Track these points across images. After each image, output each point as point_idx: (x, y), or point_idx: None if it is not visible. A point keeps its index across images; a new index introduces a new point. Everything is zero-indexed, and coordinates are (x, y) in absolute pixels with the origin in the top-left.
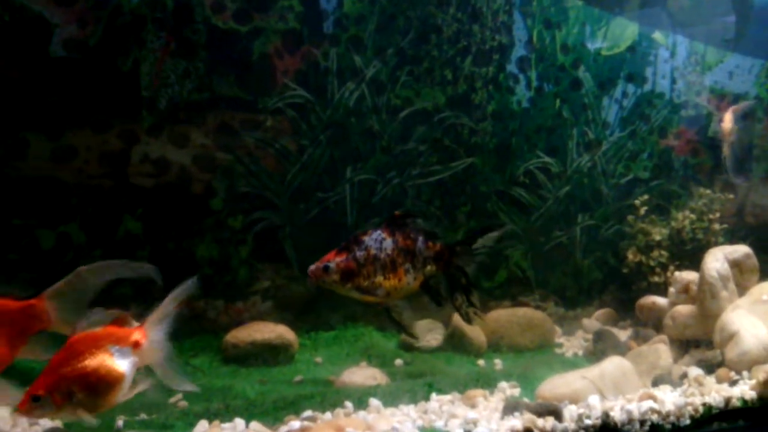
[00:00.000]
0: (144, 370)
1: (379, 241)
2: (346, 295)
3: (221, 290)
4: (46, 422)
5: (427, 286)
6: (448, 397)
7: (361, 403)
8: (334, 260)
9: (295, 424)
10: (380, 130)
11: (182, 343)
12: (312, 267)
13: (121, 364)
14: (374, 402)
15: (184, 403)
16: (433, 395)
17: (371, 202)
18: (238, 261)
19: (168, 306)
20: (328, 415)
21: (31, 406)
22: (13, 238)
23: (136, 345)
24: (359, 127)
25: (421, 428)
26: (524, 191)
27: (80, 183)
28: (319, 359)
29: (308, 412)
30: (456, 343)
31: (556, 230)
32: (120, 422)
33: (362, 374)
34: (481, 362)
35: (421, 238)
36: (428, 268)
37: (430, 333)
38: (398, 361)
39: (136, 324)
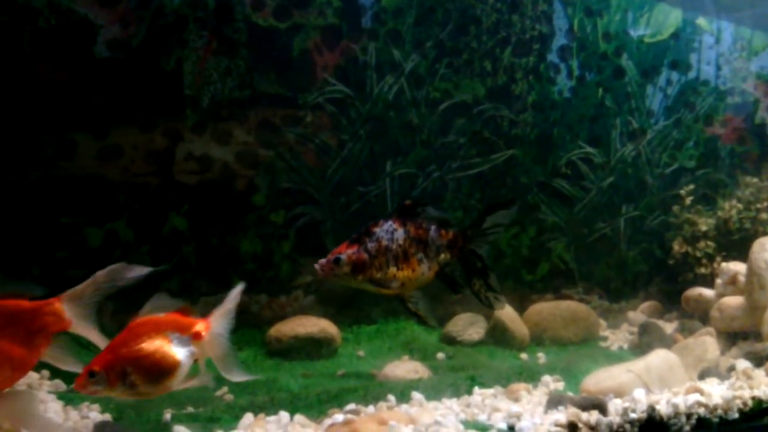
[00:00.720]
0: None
1: (390, 231)
2: (360, 288)
3: (264, 285)
4: (97, 415)
5: (443, 274)
6: (490, 390)
7: (403, 397)
8: (345, 252)
9: (339, 417)
10: (420, 124)
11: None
12: (322, 260)
13: (178, 351)
14: (417, 395)
15: (229, 396)
16: (476, 389)
17: (411, 196)
18: (280, 256)
19: (232, 301)
20: (371, 408)
21: (86, 381)
22: (61, 237)
23: (197, 336)
24: (398, 120)
25: (464, 422)
26: (566, 182)
27: (127, 181)
28: (361, 353)
29: (351, 405)
30: (498, 336)
31: (600, 222)
32: (168, 415)
33: (404, 368)
34: (524, 356)
35: (433, 227)
36: (442, 256)
37: (471, 327)
38: (440, 355)
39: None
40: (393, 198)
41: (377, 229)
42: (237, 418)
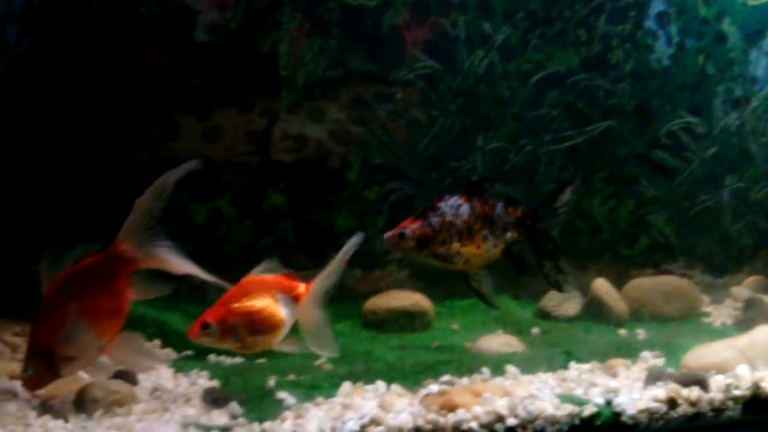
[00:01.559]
0: None
1: (455, 207)
2: (425, 263)
3: (359, 259)
4: (205, 382)
5: (510, 253)
6: (587, 365)
7: (497, 370)
8: (410, 227)
9: (434, 387)
10: (511, 97)
11: (326, 310)
12: (388, 234)
13: (283, 311)
14: (511, 369)
15: (329, 366)
16: (572, 363)
17: (503, 170)
18: (374, 231)
19: (335, 266)
20: (465, 380)
21: (199, 332)
22: (168, 214)
23: (297, 299)
24: (489, 94)
25: (559, 396)
26: (666, 154)
27: (228, 160)
28: (455, 326)
29: (446, 377)
30: (594, 311)
31: (702, 194)
32: (271, 382)
33: (498, 342)
34: (622, 332)
35: (500, 204)
36: (509, 234)
37: (567, 302)
38: (534, 330)
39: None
40: (485, 172)
41: (442, 204)
42: (336, 386)
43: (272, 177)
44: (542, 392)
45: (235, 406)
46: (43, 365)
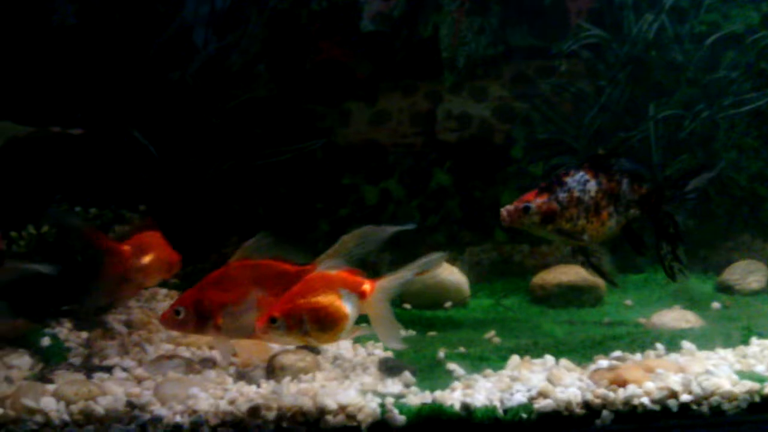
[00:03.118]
0: None
1: (582, 182)
2: (543, 236)
3: (525, 235)
4: (380, 352)
5: (630, 230)
6: None
7: (672, 346)
8: (535, 201)
9: (604, 363)
10: (685, 61)
11: (493, 285)
12: (509, 207)
13: (347, 306)
14: (687, 345)
15: (497, 339)
16: (754, 339)
17: (678, 139)
18: None
19: (407, 272)
20: (637, 356)
21: (268, 326)
22: (343, 196)
23: (362, 295)
24: (661, 60)
25: (738, 372)
26: None
27: (395, 143)
28: (628, 302)
29: (617, 353)
30: None
31: None
32: (441, 353)
33: (674, 316)
34: None
35: (626, 180)
36: (631, 211)
37: (750, 275)
38: (714, 304)
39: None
40: (658, 142)
41: (569, 179)
42: (504, 359)
43: (438, 157)
44: (720, 368)
45: (408, 376)
46: (193, 319)
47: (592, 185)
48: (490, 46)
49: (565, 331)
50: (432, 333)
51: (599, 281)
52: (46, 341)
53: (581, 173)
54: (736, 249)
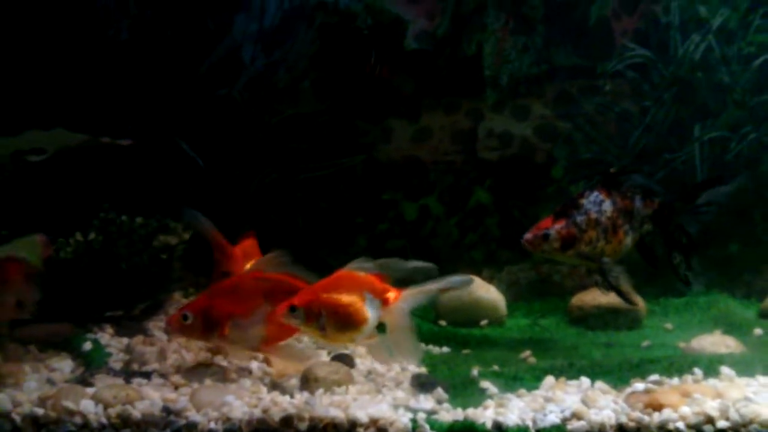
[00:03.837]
0: None
1: (598, 203)
2: (563, 261)
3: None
4: (414, 368)
5: (643, 245)
6: None
7: (711, 371)
8: (553, 227)
9: (640, 386)
10: (732, 82)
11: (531, 305)
12: (528, 235)
13: (369, 310)
14: (726, 370)
15: (532, 359)
16: None
17: (724, 161)
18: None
19: (434, 287)
20: (675, 380)
21: (287, 314)
22: (382, 212)
23: (385, 302)
24: (707, 81)
25: None
26: None
27: (436, 160)
28: (669, 325)
29: (654, 376)
30: None
31: None
32: (475, 372)
33: (714, 341)
34: None
35: (638, 197)
36: (645, 227)
37: None
38: (757, 331)
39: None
40: (703, 164)
41: (584, 201)
42: (539, 379)
43: (478, 174)
44: (760, 395)
45: (441, 392)
46: (200, 326)
47: (607, 205)
48: (533, 64)
49: (602, 353)
50: (466, 351)
51: (640, 303)
52: (87, 346)
53: (595, 193)
54: None
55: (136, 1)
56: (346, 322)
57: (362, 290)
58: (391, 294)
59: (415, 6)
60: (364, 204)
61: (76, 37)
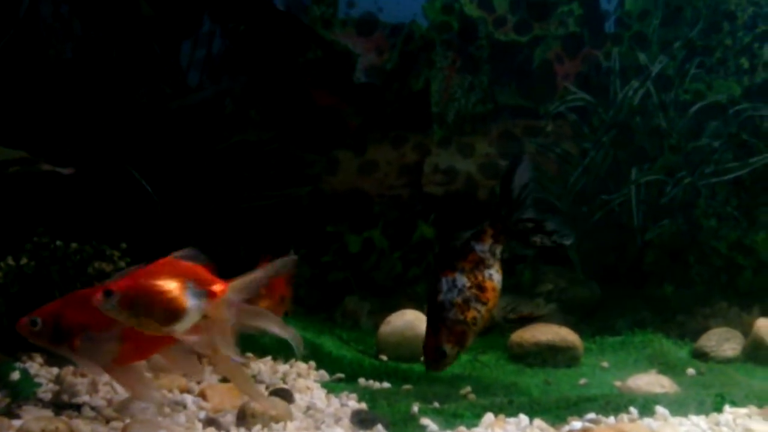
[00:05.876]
0: None
1: (452, 286)
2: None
3: (507, 291)
4: (354, 404)
5: (510, 260)
6: (743, 410)
7: (646, 410)
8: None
9: (577, 424)
10: (668, 128)
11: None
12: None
13: (188, 300)
14: (660, 410)
15: (473, 396)
16: (727, 407)
17: (659, 204)
18: (523, 264)
19: (260, 274)
20: (611, 419)
21: (103, 300)
22: (326, 243)
23: (211, 294)
24: (645, 126)
25: None
26: None
27: (381, 193)
28: (605, 364)
29: (591, 415)
30: (759, 354)
31: None
32: (415, 408)
33: (649, 381)
34: None
35: (473, 243)
36: (497, 252)
37: (726, 342)
38: (690, 371)
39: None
40: (639, 206)
41: (441, 296)
42: (478, 416)
43: (423, 209)
44: None
45: (380, 429)
46: (48, 334)
47: (461, 281)
48: (479, 103)
49: (540, 390)
50: (407, 386)
51: (576, 341)
52: (15, 375)
53: (442, 280)
54: (713, 316)
55: (81, 21)
56: (162, 310)
57: (184, 279)
58: (218, 287)
59: (365, 40)
60: (308, 235)
61: (15, 54)
